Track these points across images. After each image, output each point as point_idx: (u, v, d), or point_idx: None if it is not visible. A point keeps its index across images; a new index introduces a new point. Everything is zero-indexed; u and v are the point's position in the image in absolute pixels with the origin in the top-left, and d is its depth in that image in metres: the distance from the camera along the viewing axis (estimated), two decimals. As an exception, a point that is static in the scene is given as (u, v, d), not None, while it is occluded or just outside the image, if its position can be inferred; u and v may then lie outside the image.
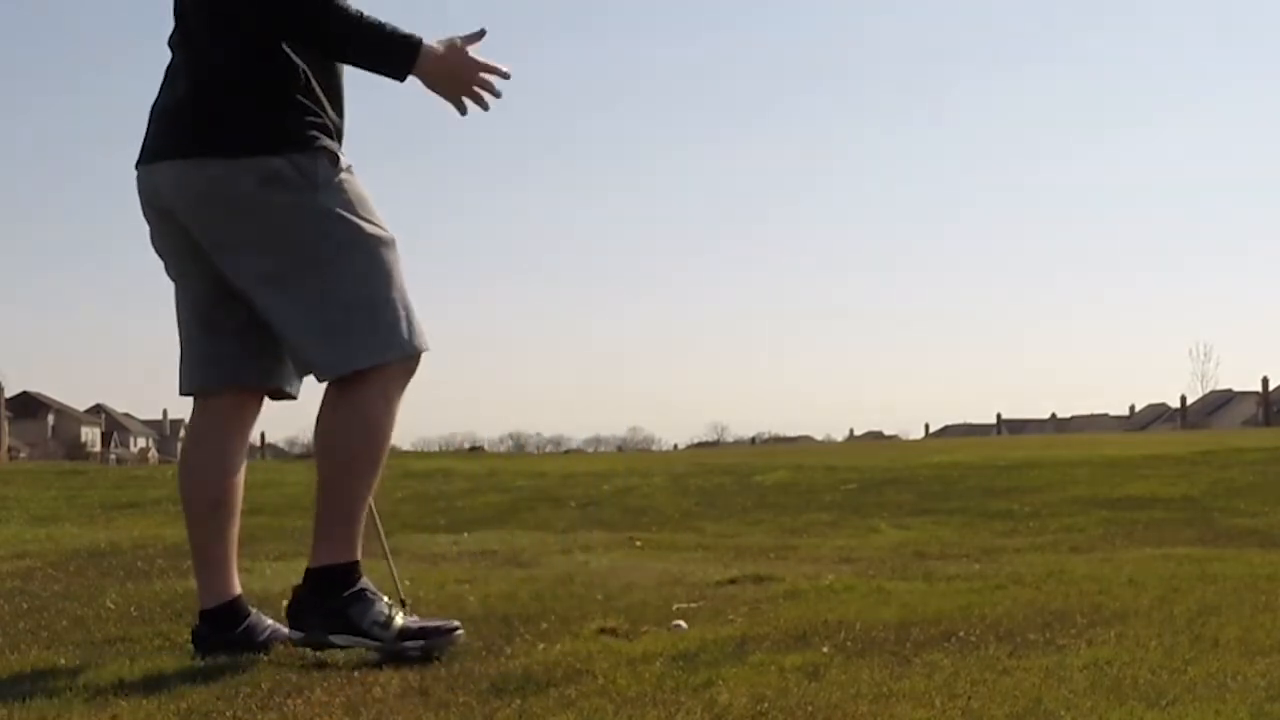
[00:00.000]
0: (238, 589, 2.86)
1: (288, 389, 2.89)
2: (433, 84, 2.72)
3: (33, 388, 64.08)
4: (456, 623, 2.74)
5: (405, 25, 2.66)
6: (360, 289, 2.68)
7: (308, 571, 2.73)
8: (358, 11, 2.63)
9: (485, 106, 2.75)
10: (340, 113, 2.80)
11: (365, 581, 2.71)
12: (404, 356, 2.72)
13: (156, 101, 2.80)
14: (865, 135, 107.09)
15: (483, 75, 2.74)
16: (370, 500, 2.78)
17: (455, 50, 2.71)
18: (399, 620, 2.66)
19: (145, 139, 2.80)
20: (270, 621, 2.87)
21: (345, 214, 2.68)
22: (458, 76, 2.72)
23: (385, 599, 2.71)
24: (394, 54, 2.66)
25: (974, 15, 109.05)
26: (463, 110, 2.75)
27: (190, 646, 2.80)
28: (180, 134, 2.70)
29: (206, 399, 2.85)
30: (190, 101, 2.70)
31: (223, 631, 2.79)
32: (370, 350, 2.68)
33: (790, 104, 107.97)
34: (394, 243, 2.75)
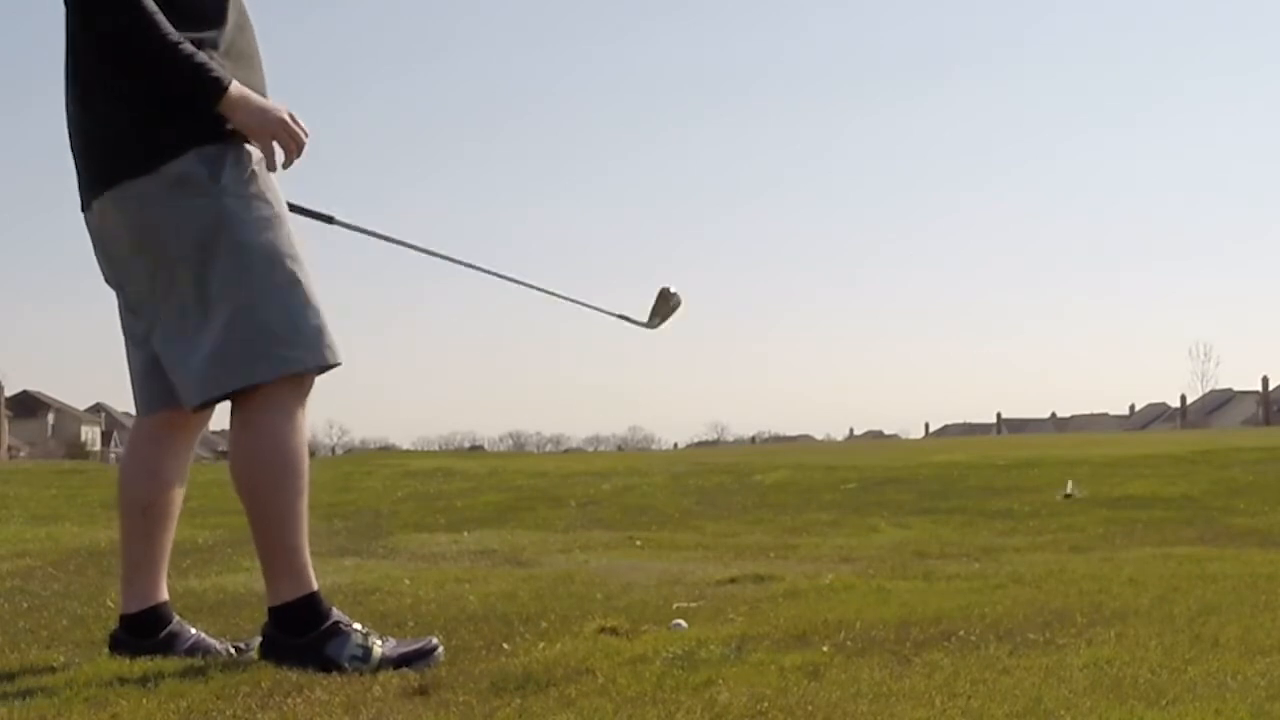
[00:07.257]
0: (163, 596, 2.82)
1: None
2: (242, 124, 2.60)
3: (33, 387, 64.09)
4: (435, 640, 2.69)
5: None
6: (248, 302, 2.59)
7: (270, 610, 2.66)
8: (176, 39, 2.53)
9: (282, 163, 2.65)
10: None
11: (336, 614, 2.65)
12: (285, 373, 2.61)
13: (70, 138, 2.72)
14: (863, 133, 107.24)
15: (291, 128, 2.64)
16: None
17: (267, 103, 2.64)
18: (377, 650, 2.60)
19: (79, 186, 2.73)
20: (194, 631, 2.82)
21: (245, 216, 2.60)
22: (267, 121, 2.62)
23: (359, 628, 2.65)
24: (203, 86, 2.55)
25: (974, 9, 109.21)
26: (271, 161, 2.65)
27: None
28: (101, 164, 2.64)
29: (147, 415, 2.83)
30: (98, 129, 2.64)
31: (142, 638, 2.75)
32: (245, 371, 2.59)
33: (790, 100, 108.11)
34: (285, 236, 2.64)
